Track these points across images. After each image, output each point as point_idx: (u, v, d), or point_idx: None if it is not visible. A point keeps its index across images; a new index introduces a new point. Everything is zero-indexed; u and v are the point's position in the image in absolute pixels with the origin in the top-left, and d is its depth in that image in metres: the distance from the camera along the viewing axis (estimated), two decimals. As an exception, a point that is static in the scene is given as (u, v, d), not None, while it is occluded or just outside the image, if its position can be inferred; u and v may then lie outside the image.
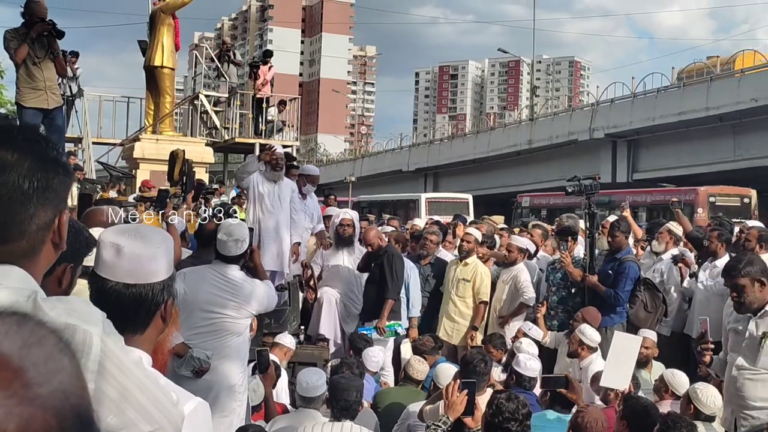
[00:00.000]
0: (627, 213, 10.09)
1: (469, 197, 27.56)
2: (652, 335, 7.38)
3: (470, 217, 20.54)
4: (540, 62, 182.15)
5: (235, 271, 5.30)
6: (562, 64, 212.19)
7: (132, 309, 2.02)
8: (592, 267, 8.21)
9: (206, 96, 18.44)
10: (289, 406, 5.98)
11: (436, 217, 14.46)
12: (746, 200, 26.27)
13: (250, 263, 5.58)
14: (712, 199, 25.37)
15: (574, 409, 5.16)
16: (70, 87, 9.82)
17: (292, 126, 19.74)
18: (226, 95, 18.45)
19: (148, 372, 1.97)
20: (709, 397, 5.60)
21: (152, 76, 15.99)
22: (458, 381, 4.75)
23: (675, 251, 9.19)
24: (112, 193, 13.24)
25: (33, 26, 8.70)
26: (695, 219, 10.16)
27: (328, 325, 8.86)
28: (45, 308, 1.48)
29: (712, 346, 5.24)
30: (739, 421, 5.08)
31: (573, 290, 8.41)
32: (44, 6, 8.79)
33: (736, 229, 9.28)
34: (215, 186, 16.53)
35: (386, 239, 9.15)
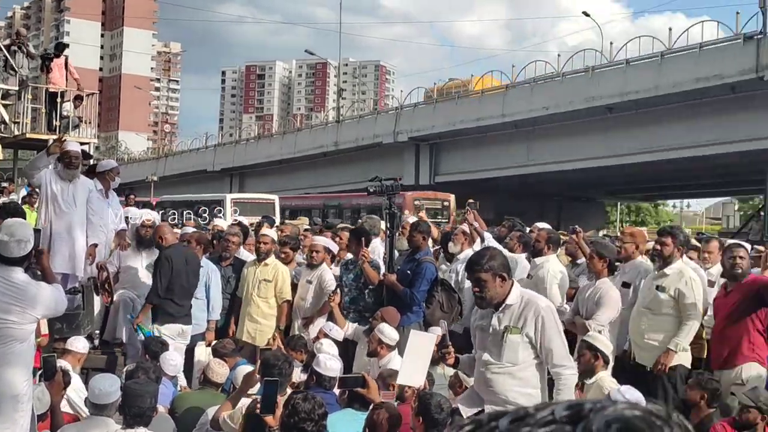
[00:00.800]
0: (470, 217, 10.30)
1: (276, 198, 27.41)
2: (440, 331, 7.67)
3: (277, 218, 20.56)
4: (347, 65, 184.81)
5: (18, 274, 4.98)
6: (369, 67, 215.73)
7: None
8: (391, 266, 8.41)
9: (-6, 89, 17.44)
10: (81, 411, 5.74)
11: (240, 218, 14.33)
12: (446, 203, 28.23)
13: (36, 266, 5.31)
14: (417, 202, 27.26)
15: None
16: None
17: (90, 122, 18.98)
18: (16, 88, 17.48)
19: None
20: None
21: (-68, 65, 14.95)
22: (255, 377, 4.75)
23: (470, 251, 9.55)
24: None
25: None
26: (403, 220, 10.72)
27: (125, 329, 8.62)
28: None
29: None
30: None
31: (366, 291, 8.51)
32: None
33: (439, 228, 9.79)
34: (4, 184, 15.67)
35: (176, 239, 8.92)
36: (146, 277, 8.84)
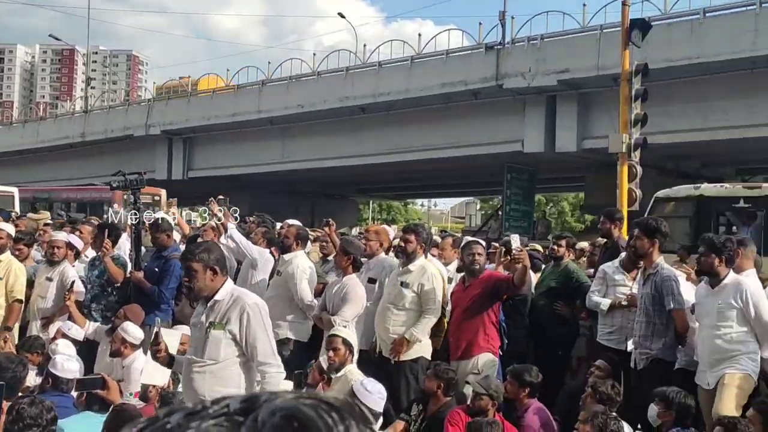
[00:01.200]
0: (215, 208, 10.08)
1: (15, 190, 25.50)
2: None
3: (16, 211, 19.20)
4: (96, 53, 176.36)
5: None
6: (120, 57, 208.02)
7: None
8: (138, 263, 8.20)
9: None
10: None
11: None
12: (156, 198, 27.87)
13: None
14: (126, 197, 26.85)
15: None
16: None
17: None
18: None
19: None
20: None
21: None
22: None
23: None
24: None
25: None
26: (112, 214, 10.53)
27: None
28: None
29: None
30: None
31: (110, 288, 8.28)
32: None
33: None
34: None
35: None
36: None
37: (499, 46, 27.87)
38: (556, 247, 8.95)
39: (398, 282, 7.51)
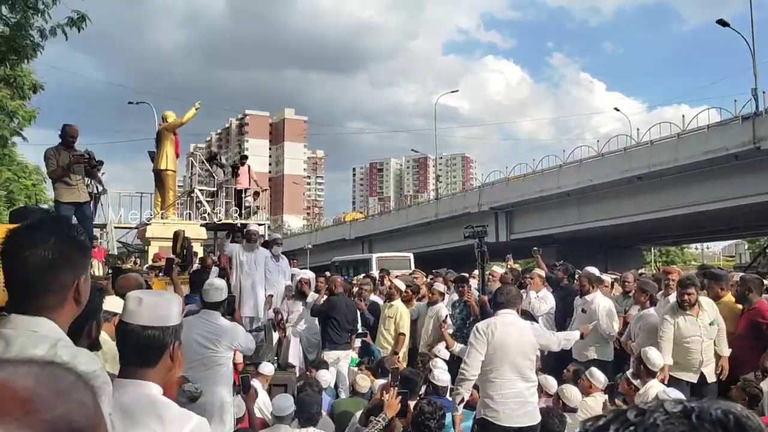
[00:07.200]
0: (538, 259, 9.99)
1: (411, 255, 25.41)
2: None
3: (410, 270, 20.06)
4: (441, 158, 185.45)
5: (218, 318, 5.07)
6: (456, 159, 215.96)
7: (146, 346, 1.98)
8: (484, 289, 8.26)
9: (200, 190, 18.28)
10: (268, 417, 5.78)
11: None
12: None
13: (230, 317, 5.40)
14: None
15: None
16: (96, 187, 9.63)
17: (264, 209, 19.65)
18: (215, 189, 18.30)
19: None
20: (573, 394, 5.63)
21: (159, 177, 15.83)
22: (395, 389, 4.68)
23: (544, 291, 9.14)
24: (128, 264, 12.90)
25: (67, 143, 8.54)
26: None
27: (294, 355, 8.72)
28: (61, 353, 1.47)
29: None
30: None
31: (468, 323, 8.26)
32: (75, 129, 8.65)
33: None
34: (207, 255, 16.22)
35: (343, 288, 8.96)
36: (306, 318, 8.93)
37: (754, 116, 25.02)
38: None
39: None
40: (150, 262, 13.08)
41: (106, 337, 3.14)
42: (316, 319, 8.66)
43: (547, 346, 5.39)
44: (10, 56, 11.11)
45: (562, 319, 8.55)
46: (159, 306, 2.02)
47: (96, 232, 14.73)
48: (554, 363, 7.56)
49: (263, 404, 6.04)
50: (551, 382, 6.07)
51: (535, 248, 10.62)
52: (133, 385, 1.93)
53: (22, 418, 0.54)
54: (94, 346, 2.51)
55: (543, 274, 9.37)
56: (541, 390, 5.89)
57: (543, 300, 8.81)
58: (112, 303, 3.64)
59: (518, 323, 5.02)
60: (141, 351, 1.96)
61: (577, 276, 8.92)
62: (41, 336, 1.53)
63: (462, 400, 4.75)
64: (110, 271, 9.24)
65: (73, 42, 10.63)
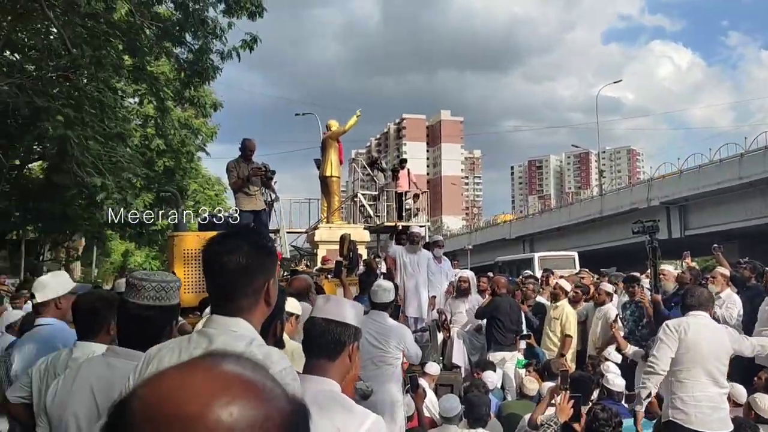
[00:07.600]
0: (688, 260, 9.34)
1: (575, 253, 24.40)
2: None
3: (575, 270, 19.29)
4: (604, 152, 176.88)
5: (387, 318, 5.22)
6: (621, 152, 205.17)
7: (328, 339, 2.13)
8: (656, 288, 7.83)
9: (362, 194, 18.98)
10: (436, 416, 5.85)
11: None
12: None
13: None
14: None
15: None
16: (270, 195, 10.34)
17: (424, 210, 19.90)
18: (376, 193, 18.84)
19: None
20: (767, 404, 5.15)
21: (325, 183, 16.63)
22: (567, 393, 4.56)
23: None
24: (301, 267, 13.65)
25: (246, 156, 9.25)
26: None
27: (459, 356, 8.72)
28: (255, 351, 1.62)
29: None
30: None
31: (640, 325, 7.91)
32: (254, 143, 9.36)
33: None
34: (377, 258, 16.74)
35: (506, 289, 8.84)
36: (468, 317, 8.91)
37: None
38: None
39: None
40: (319, 265, 13.76)
41: (285, 337, 3.36)
42: (481, 321, 8.62)
43: (740, 352, 5.00)
44: (195, 79, 12.27)
45: (750, 323, 7.81)
46: (341, 306, 2.23)
47: (271, 236, 15.74)
48: (744, 371, 6.92)
49: (430, 403, 6.12)
50: (740, 390, 5.58)
51: (715, 245, 9.82)
52: (316, 381, 2.06)
53: (254, 401, 0.61)
54: (279, 344, 2.71)
55: (727, 273, 8.62)
56: (728, 398, 5.44)
57: (734, 304, 8.00)
58: (290, 304, 3.90)
59: (712, 325, 4.81)
60: (324, 343, 2.12)
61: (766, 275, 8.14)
62: (239, 335, 1.68)
63: (649, 395, 4.56)
64: (286, 274, 9.84)
65: (243, 61, 11.50)
